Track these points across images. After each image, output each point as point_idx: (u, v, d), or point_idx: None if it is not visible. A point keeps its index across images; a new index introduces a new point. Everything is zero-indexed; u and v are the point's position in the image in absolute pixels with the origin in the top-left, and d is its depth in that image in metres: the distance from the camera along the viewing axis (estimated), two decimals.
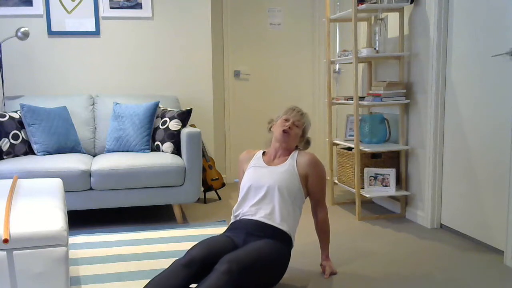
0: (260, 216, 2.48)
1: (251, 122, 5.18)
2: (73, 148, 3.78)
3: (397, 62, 3.82)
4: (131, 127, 3.80)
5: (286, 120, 2.65)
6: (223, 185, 4.42)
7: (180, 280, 2.12)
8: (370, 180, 3.73)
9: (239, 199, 2.62)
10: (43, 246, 1.88)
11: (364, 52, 3.70)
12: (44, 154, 3.61)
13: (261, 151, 2.76)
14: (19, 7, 4.11)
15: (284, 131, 2.61)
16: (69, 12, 4.19)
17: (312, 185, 2.62)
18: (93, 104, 4.08)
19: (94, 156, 3.94)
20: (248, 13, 5.06)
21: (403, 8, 3.67)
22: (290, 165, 2.60)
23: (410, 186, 3.73)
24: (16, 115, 3.68)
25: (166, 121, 3.81)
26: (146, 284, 2.12)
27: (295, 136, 2.65)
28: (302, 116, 2.69)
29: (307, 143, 2.74)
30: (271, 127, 2.75)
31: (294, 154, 2.66)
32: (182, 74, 4.47)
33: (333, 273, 2.66)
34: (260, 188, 2.54)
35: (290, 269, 2.75)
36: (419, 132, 3.59)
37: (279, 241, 2.44)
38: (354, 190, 3.78)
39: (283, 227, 2.47)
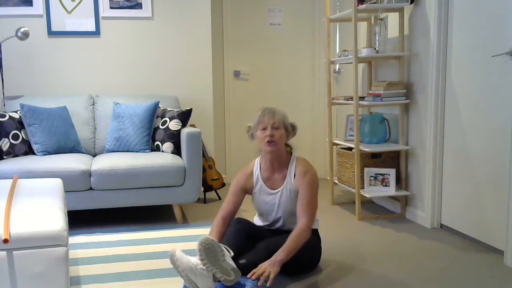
0: (284, 230, 2.73)
1: (251, 122, 5.16)
2: (73, 148, 3.77)
3: (397, 62, 3.82)
4: (131, 127, 3.80)
5: (264, 129, 2.62)
6: (223, 185, 4.42)
7: (238, 235, 2.52)
8: (370, 180, 3.73)
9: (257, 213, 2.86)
10: (43, 246, 1.88)
11: (364, 52, 3.70)
12: (44, 154, 3.61)
13: (257, 164, 2.76)
14: (19, 7, 4.10)
15: (268, 142, 2.59)
16: (69, 12, 4.19)
17: (299, 195, 2.62)
18: (93, 104, 4.08)
19: (94, 156, 3.94)
20: (248, 13, 5.06)
21: (403, 8, 3.67)
22: (290, 186, 2.66)
23: (410, 186, 3.73)
24: (16, 115, 3.68)
25: (166, 121, 3.81)
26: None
27: (281, 138, 2.62)
28: (274, 115, 2.62)
29: (294, 129, 2.70)
30: (251, 134, 2.71)
31: (292, 166, 2.68)
32: (182, 74, 4.47)
33: (265, 277, 2.26)
34: (274, 221, 2.74)
35: None
36: (419, 132, 3.59)
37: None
38: (354, 190, 3.78)
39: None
